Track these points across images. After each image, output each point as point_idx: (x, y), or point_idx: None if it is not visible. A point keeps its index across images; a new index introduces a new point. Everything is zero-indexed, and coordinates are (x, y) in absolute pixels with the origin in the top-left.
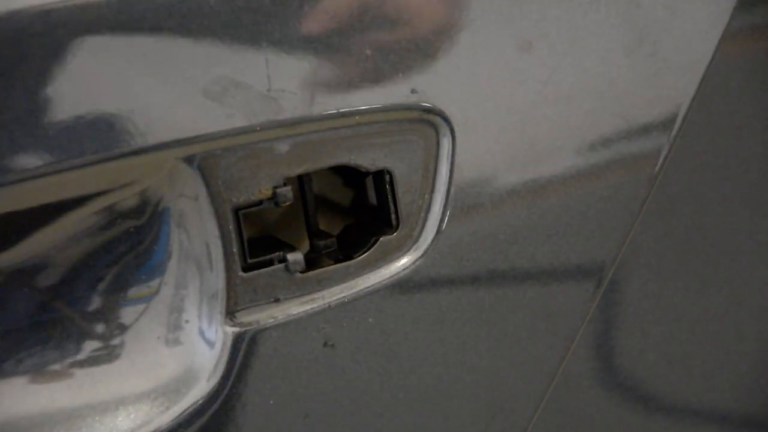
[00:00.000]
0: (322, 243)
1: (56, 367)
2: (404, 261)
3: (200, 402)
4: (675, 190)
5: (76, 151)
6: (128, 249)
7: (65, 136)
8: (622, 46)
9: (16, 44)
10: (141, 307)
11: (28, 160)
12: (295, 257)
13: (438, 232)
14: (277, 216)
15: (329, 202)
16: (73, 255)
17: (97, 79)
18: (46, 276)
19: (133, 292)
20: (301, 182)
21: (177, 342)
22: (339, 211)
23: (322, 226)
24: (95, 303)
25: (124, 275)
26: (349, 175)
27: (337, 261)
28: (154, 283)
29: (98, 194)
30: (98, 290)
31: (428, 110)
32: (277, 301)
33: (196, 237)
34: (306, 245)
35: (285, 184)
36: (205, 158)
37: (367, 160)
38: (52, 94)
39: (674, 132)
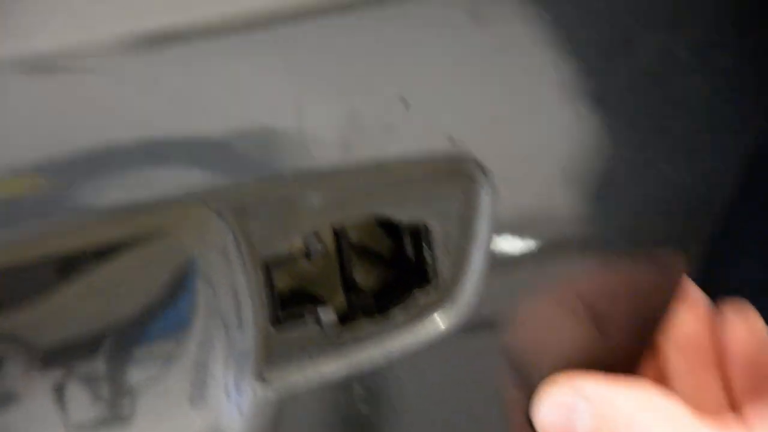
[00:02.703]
0: (356, 297)
1: (74, 425)
2: (441, 318)
3: None
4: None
5: (97, 200)
6: (151, 303)
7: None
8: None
9: None
10: (164, 363)
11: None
12: (328, 313)
13: (476, 289)
14: (311, 267)
15: (368, 250)
16: (91, 308)
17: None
18: (63, 330)
19: (155, 348)
20: (336, 234)
21: (202, 400)
22: (377, 260)
23: (360, 277)
24: (115, 359)
25: (146, 330)
26: (388, 223)
27: (372, 316)
28: (179, 338)
29: (119, 244)
30: (118, 345)
31: (466, 161)
32: (307, 358)
33: (224, 291)
34: (341, 298)
35: (318, 237)
36: (234, 208)
37: (403, 212)
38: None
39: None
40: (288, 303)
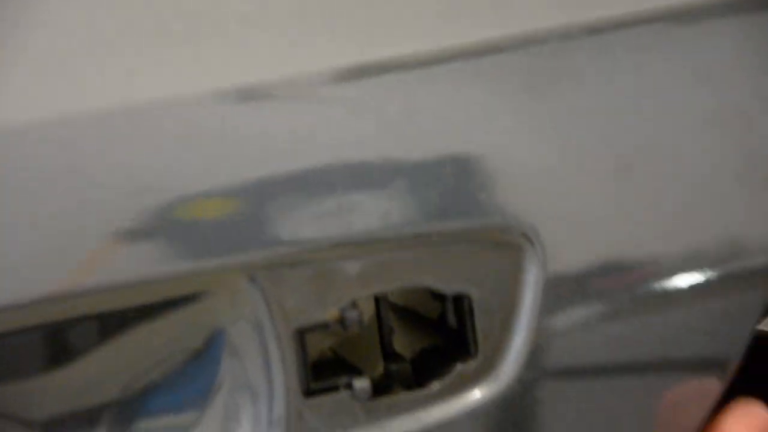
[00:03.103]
0: (394, 367)
1: None
2: (482, 392)
3: None
4: None
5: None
6: (174, 372)
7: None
8: (732, 172)
9: None
10: None
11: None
12: (362, 383)
13: (519, 363)
14: (349, 333)
15: (410, 311)
16: (111, 375)
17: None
18: (79, 399)
19: (175, 420)
20: (377, 301)
21: None
22: (420, 321)
23: (399, 341)
24: (132, 428)
25: (166, 400)
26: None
27: (410, 388)
28: (203, 410)
29: (145, 310)
30: (135, 414)
31: (513, 233)
32: (341, 429)
33: (254, 361)
34: (379, 365)
35: (354, 306)
36: (269, 276)
37: (444, 282)
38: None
39: None
40: (324, 370)
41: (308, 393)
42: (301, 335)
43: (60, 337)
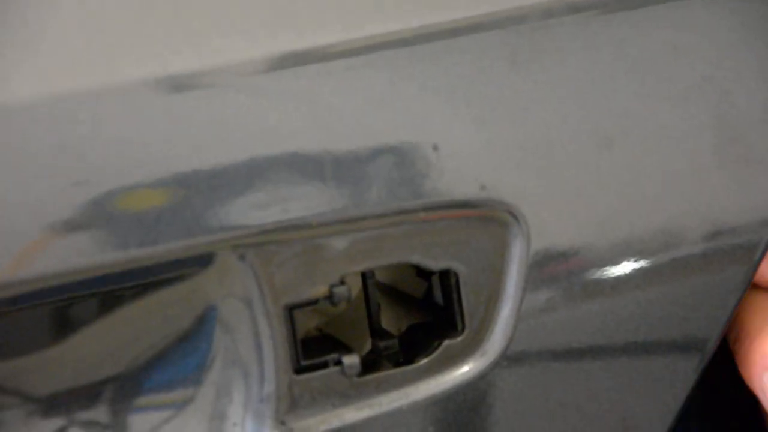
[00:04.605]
0: (382, 344)
1: None
2: (469, 367)
3: None
4: None
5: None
6: (166, 349)
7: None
8: (711, 146)
9: None
10: (180, 412)
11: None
12: (351, 360)
13: (506, 338)
14: (338, 310)
15: (397, 290)
16: (104, 352)
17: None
18: (77, 378)
19: (169, 396)
20: (364, 278)
21: None
22: (407, 299)
23: (387, 318)
24: (126, 407)
25: (160, 379)
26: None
27: (398, 364)
28: (195, 387)
29: (138, 288)
30: (129, 393)
31: (498, 209)
32: (330, 405)
33: (245, 337)
34: (367, 342)
35: (342, 282)
36: (257, 253)
37: (431, 258)
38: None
39: None
40: (313, 348)
41: (298, 370)
42: (290, 312)
43: (59, 316)
